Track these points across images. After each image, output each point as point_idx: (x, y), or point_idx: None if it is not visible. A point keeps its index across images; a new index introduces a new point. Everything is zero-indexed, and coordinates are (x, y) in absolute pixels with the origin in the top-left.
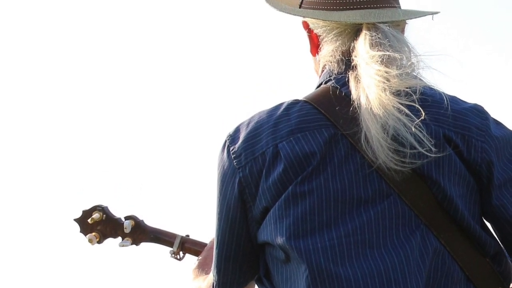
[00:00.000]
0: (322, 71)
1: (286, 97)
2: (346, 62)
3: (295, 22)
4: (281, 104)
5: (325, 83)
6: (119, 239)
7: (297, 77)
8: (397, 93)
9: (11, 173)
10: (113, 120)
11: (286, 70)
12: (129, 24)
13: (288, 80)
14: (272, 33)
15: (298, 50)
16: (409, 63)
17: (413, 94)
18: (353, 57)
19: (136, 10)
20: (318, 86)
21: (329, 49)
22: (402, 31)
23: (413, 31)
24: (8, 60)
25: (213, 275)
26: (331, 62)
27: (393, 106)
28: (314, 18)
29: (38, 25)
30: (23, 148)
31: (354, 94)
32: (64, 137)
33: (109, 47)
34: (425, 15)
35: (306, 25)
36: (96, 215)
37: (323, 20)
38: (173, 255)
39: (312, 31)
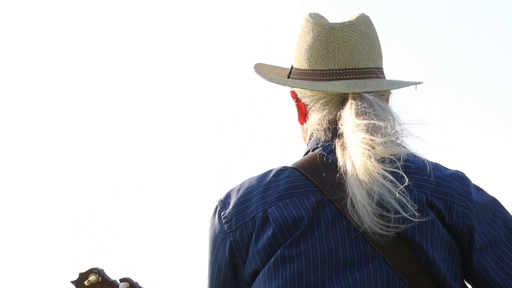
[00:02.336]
0: (310, 139)
1: (284, 105)
2: (333, 130)
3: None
4: (270, 171)
5: (313, 150)
6: None
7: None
8: (381, 160)
9: (11, 173)
10: (113, 120)
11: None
12: (129, 25)
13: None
14: (274, 36)
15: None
16: (393, 131)
17: (397, 161)
18: (339, 126)
19: (137, 10)
20: (306, 154)
21: (317, 117)
22: (387, 100)
23: (397, 100)
24: (8, 60)
25: None
26: (318, 130)
27: (378, 173)
28: (302, 88)
29: (38, 25)
30: (23, 148)
31: (340, 161)
32: (64, 137)
33: (109, 47)
34: (409, 85)
35: (294, 95)
36: (92, 278)
37: (310, 90)
38: None
39: (300, 100)
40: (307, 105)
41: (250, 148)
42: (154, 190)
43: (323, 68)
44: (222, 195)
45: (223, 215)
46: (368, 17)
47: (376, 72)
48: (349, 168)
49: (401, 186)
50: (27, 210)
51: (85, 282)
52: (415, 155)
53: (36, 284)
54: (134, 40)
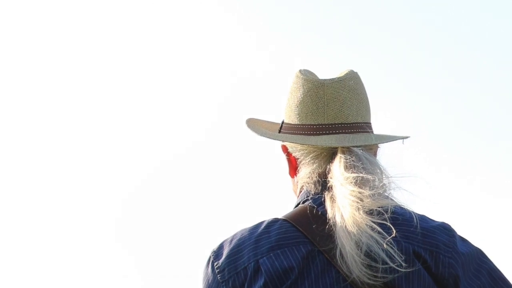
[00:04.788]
0: (300, 191)
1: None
2: (323, 183)
3: (299, 28)
4: (261, 223)
5: (303, 203)
6: None
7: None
8: (370, 212)
9: (11, 173)
10: (112, 120)
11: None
12: (128, 25)
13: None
14: (275, 35)
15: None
16: (381, 184)
17: (385, 213)
18: (329, 179)
19: (136, 11)
20: (296, 206)
21: (307, 171)
22: (375, 154)
23: (385, 154)
24: (8, 60)
25: None
26: (308, 183)
27: (366, 224)
28: (292, 142)
29: (38, 25)
30: (23, 148)
31: (330, 213)
32: (64, 137)
33: (110, 47)
34: (396, 140)
35: (285, 149)
36: None
37: (301, 144)
38: None
39: (291, 154)
40: (298, 158)
41: (250, 148)
42: (154, 190)
43: (313, 123)
44: (215, 246)
45: (216, 265)
46: (356, 73)
47: (364, 126)
48: (338, 219)
49: (389, 237)
50: (27, 210)
51: None
52: (402, 207)
53: (37, 284)
54: (133, 41)
